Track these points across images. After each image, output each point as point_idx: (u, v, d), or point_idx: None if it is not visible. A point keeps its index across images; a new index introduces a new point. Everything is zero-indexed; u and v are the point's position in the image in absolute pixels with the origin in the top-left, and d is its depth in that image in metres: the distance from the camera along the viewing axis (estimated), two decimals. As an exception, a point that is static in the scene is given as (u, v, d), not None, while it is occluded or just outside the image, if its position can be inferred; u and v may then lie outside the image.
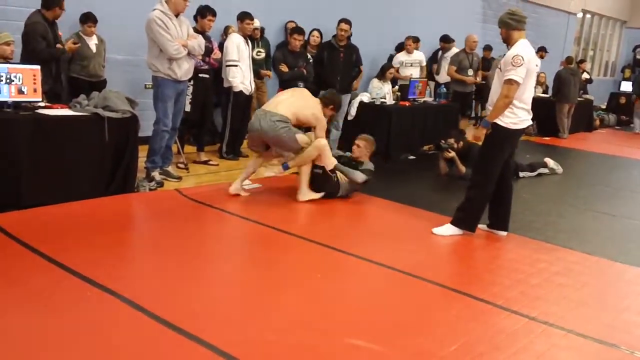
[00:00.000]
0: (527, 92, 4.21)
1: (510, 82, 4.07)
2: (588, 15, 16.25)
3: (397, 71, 8.61)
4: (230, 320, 2.89)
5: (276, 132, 4.76)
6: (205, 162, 6.21)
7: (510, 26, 4.19)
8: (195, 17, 5.82)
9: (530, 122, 4.40)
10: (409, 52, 8.79)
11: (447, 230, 4.43)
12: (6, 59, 4.54)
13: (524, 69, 4.07)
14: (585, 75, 11.41)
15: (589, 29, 16.57)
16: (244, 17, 6.20)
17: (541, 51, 10.77)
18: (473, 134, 4.42)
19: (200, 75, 5.93)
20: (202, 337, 2.65)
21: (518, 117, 4.20)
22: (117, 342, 2.58)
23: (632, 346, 2.91)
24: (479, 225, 4.61)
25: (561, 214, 5.27)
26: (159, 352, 2.54)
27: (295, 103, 4.92)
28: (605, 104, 14.27)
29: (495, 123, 4.19)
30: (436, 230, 4.45)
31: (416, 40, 8.96)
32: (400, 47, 9.54)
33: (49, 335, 2.59)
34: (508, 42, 4.24)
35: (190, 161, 6.12)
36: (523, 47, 4.14)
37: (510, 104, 4.12)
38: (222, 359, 2.51)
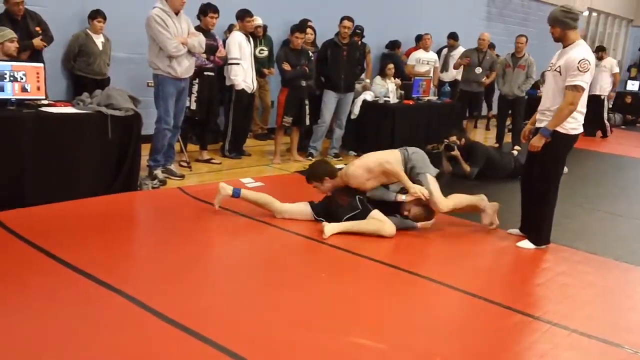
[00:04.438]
0: (585, 95, 4.01)
1: (576, 88, 3.86)
2: (594, 14, 16.17)
3: (413, 68, 8.64)
4: (234, 317, 2.88)
5: None
6: (208, 161, 6.20)
7: (568, 26, 3.95)
8: (198, 17, 5.82)
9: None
10: (426, 49, 8.74)
11: (528, 245, 4.27)
12: (10, 57, 4.54)
13: (590, 74, 3.89)
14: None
15: (595, 28, 16.48)
16: (244, 14, 6.18)
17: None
18: (531, 143, 4.06)
19: (206, 73, 5.93)
20: (205, 334, 2.65)
21: (577, 121, 4.02)
22: (119, 339, 2.58)
23: (636, 346, 2.90)
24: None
25: (566, 214, 5.23)
26: (161, 349, 2.54)
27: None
28: (611, 103, 14.16)
29: (556, 130, 3.96)
30: (520, 244, 4.28)
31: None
32: (391, 45, 9.52)
33: (51, 333, 2.59)
34: (562, 41, 4.00)
35: (193, 159, 6.12)
36: (587, 50, 3.94)
37: (574, 110, 3.92)
38: (225, 356, 2.51)
